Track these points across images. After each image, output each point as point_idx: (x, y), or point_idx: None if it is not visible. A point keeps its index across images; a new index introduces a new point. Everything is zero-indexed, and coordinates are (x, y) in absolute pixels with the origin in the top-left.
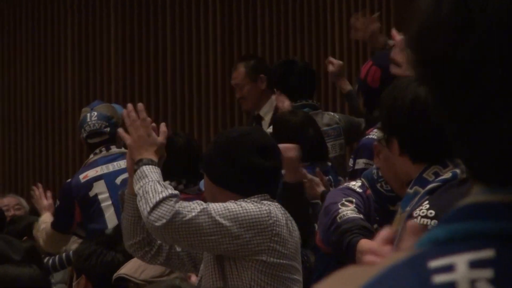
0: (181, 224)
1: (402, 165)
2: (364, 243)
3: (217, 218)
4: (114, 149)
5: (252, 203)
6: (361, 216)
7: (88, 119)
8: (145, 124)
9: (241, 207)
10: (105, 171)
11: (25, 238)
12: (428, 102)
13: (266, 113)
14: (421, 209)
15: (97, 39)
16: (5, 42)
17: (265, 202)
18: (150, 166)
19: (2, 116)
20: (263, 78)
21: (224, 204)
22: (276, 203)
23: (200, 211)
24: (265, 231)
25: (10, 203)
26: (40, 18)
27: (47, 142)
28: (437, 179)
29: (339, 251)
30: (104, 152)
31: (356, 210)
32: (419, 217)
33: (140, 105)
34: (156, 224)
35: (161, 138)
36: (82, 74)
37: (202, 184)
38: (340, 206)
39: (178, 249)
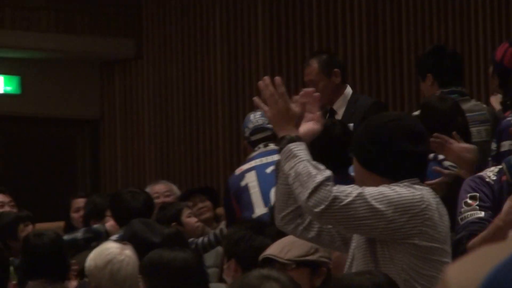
0: (339, 209)
1: None
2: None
3: (373, 202)
4: (271, 146)
5: (405, 188)
6: (482, 214)
7: (252, 118)
8: (284, 98)
9: (395, 191)
10: (258, 163)
11: (173, 224)
12: None
13: (339, 107)
14: None
15: (244, 29)
16: (156, 34)
17: (417, 186)
18: (296, 143)
19: (154, 105)
20: (337, 72)
21: (379, 189)
22: (428, 188)
23: (357, 196)
24: (418, 215)
25: (161, 190)
26: (189, 10)
27: (198, 130)
28: None
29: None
30: (262, 149)
31: (478, 208)
32: None
33: (277, 79)
34: (315, 209)
35: (298, 109)
36: (230, 63)
37: (351, 169)
38: (463, 206)
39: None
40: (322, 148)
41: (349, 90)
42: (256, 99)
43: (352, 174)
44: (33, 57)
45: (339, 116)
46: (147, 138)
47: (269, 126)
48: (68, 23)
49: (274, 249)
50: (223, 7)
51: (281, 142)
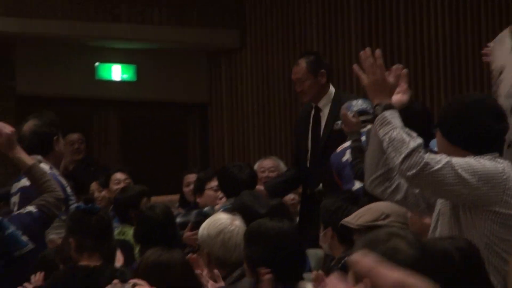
0: (428, 174)
1: None
2: None
3: (460, 171)
4: (369, 126)
5: (489, 160)
6: None
7: (355, 103)
8: (381, 69)
9: (480, 162)
10: None
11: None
12: None
13: (324, 105)
14: None
15: (338, 19)
16: (258, 27)
17: (498, 160)
18: (390, 110)
19: (257, 90)
20: (323, 73)
21: (465, 159)
22: (508, 162)
23: (445, 164)
24: (499, 185)
25: (267, 165)
26: (288, 3)
27: (296, 112)
28: None
29: None
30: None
31: None
32: None
33: (377, 52)
34: (408, 173)
35: (394, 80)
36: (325, 51)
37: (432, 143)
38: None
39: (416, 190)
40: (405, 123)
41: (332, 89)
42: (355, 66)
43: (434, 148)
44: (147, 47)
45: (324, 113)
46: (250, 120)
47: (372, 110)
48: (179, 17)
49: (350, 217)
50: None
51: (376, 108)
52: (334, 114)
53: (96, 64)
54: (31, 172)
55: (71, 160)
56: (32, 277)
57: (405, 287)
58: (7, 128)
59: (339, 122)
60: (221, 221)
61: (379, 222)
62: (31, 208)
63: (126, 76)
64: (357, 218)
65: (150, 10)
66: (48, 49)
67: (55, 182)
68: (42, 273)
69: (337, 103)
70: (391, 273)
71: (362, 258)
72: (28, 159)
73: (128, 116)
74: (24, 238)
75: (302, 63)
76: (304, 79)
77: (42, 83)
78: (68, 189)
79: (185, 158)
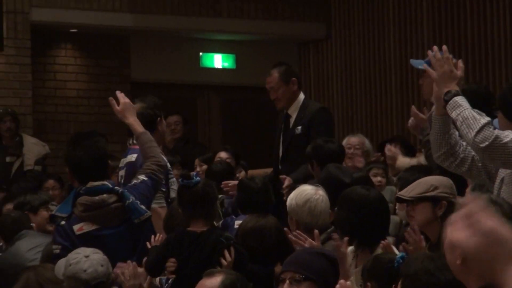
0: (499, 146)
1: None
2: None
3: None
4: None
5: None
6: None
7: None
8: (449, 62)
9: None
10: None
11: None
12: None
13: (293, 111)
14: None
15: (412, 13)
16: (342, 20)
17: None
18: (459, 96)
19: (341, 77)
20: (294, 81)
21: None
22: None
23: None
24: None
25: (353, 142)
26: (368, 1)
27: (376, 96)
28: None
29: None
30: None
31: None
32: None
33: (444, 47)
34: (481, 145)
35: (460, 72)
36: (401, 43)
37: (495, 122)
38: None
39: (478, 163)
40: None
41: (301, 96)
42: (425, 65)
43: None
44: (245, 39)
45: (293, 118)
46: (335, 103)
47: None
48: (272, 11)
49: (403, 190)
50: None
51: (447, 95)
52: (299, 120)
53: (200, 53)
54: (141, 137)
55: (170, 140)
56: (152, 237)
57: (498, 235)
58: (125, 98)
59: (300, 127)
60: (307, 191)
61: (428, 194)
62: (142, 177)
63: (226, 64)
64: (409, 191)
65: (247, 5)
66: (159, 41)
67: (159, 151)
68: (161, 235)
69: (303, 110)
70: (489, 220)
71: (471, 201)
72: (141, 127)
73: (228, 100)
74: (142, 206)
75: (275, 73)
76: (277, 87)
77: (154, 70)
78: (168, 165)
79: None
